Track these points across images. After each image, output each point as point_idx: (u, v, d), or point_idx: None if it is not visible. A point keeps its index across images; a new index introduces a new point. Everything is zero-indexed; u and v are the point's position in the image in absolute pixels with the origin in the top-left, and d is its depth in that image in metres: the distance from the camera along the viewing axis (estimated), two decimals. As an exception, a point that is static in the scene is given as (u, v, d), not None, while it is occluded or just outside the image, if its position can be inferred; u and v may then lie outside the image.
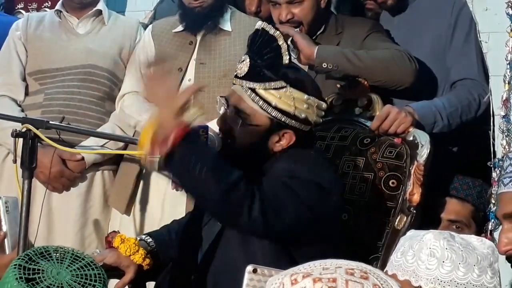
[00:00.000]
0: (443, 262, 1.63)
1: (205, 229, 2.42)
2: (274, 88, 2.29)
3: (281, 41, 2.31)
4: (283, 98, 2.29)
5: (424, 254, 1.64)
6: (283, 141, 2.33)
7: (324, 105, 2.39)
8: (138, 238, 2.52)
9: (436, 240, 1.65)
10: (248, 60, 2.32)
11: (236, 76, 2.35)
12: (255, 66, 2.31)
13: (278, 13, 3.07)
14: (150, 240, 2.52)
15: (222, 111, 2.40)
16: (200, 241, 2.41)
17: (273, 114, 2.30)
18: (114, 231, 2.55)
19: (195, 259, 2.39)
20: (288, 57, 2.32)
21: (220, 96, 2.41)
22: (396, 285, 1.36)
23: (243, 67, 2.32)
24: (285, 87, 2.30)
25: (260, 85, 2.30)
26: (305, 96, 2.32)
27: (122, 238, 2.45)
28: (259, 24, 2.36)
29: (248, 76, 2.31)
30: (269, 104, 2.29)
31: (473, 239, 1.72)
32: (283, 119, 2.30)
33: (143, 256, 2.44)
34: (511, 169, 1.95)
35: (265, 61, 2.31)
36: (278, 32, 2.32)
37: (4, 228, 2.43)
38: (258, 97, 2.30)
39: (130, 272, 2.43)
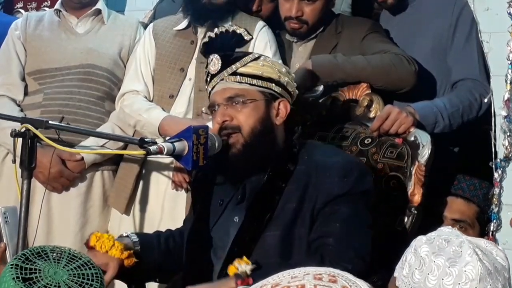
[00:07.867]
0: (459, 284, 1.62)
1: (214, 230, 2.42)
2: (253, 60, 2.38)
3: (233, 28, 2.42)
4: (266, 66, 2.37)
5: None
6: (281, 112, 2.39)
7: (293, 75, 2.48)
8: (125, 234, 2.51)
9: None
10: (215, 56, 2.39)
11: (212, 77, 2.39)
12: (225, 56, 2.38)
13: (289, 7, 3.07)
14: (136, 240, 2.49)
15: (210, 113, 2.44)
16: (209, 243, 2.41)
17: (262, 85, 2.36)
18: (92, 233, 2.50)
19: (208, 260, 2.39)
20: (249, 35, 2.43)
21: (204, 112, 2.44)
22: (365, 285, 1.36)
23: (215, 64, 2.39)
24: (261, 56, 2.42)
25: (239, 64, 2.36)
26: (280, 61, 2.38)
27: (97, 236, 2.41)
28: (205, 38, 2.45)
29: (224, 67, 2.37)
30: (255, 77, 2.36)
31: (482, 242, 1.70)
32: (273, 88, 2.37)
33: (120, 249, 2.39)
34: None
35: (231, 46, 2.41)
36: (227, 25, 2.42)
37: (5, 239, 2.40)
38: (242, 77, 2.36)
39: (110, 269, 2.37)
